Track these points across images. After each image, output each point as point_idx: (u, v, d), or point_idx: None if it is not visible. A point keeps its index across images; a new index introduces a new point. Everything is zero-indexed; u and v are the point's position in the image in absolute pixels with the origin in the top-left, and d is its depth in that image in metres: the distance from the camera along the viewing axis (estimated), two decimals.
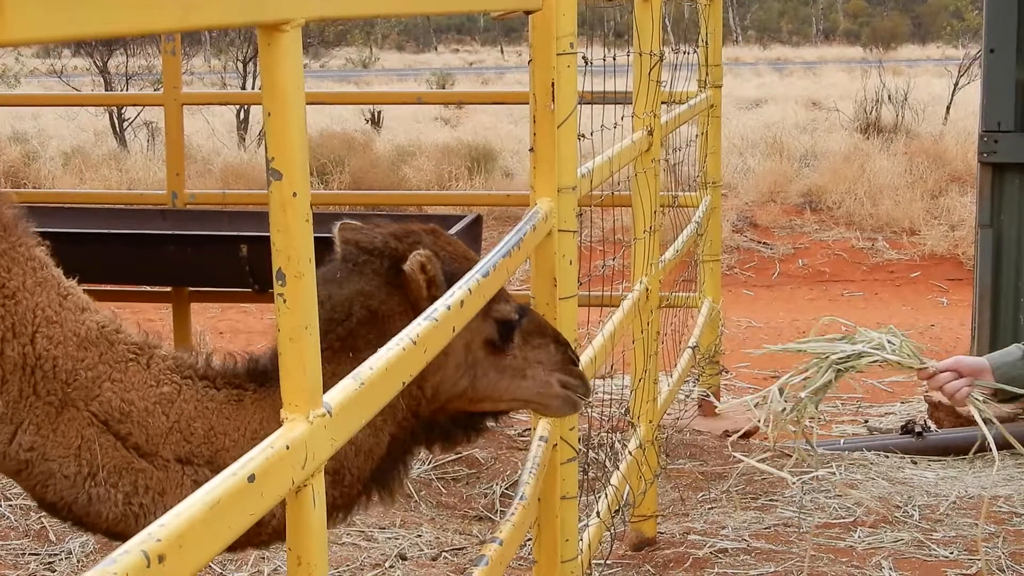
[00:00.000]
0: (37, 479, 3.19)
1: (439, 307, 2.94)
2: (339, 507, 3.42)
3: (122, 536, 3.25)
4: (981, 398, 4.02)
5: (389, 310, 3.45)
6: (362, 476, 3.41)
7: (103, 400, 3.19)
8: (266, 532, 3.27)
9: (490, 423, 3.78)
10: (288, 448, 2.11)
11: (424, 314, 2.87)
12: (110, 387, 3.21)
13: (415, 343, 2.70)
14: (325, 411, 2.24)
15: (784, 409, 4.03)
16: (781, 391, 4.01)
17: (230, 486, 1.94)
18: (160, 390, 3.25)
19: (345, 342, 3.40)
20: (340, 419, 2.29)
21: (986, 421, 4.12)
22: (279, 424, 3.27)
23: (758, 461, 3.84)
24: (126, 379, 3.23)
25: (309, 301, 2.18)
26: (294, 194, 2.14)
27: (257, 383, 3.37)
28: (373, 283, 3.47)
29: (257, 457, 2.04)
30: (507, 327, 3.57)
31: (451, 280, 3.43)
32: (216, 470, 3.18)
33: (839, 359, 4.05)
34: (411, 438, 3.56)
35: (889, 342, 4.07)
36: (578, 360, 3.78)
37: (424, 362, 2.77)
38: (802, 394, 3.96)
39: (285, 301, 2.16)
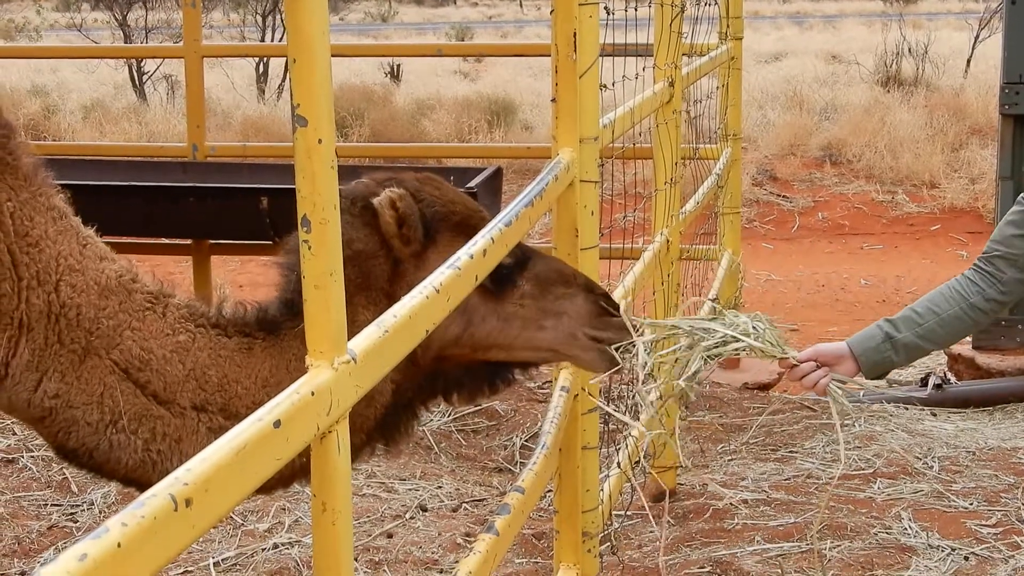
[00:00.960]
0: (60, 426, 3.22)
1: (462, 255, 2.95)
2: None
3: (138, 483, 3.30)
4: (840, 390, 3.81)
5: (368, 252, 3.44)
6: (365, 425, 3.40)
7: (124, 348, 3.22)
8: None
9: (516, 374, 3.74)
10: (313, 394, 2.12)
11: (448, 263, 2.87)
12: (130, 335, 3.24)
13: (438, 291, 2.71)
14: (350, 358, 2.24)
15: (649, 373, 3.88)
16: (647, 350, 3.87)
17: (256, 431, 1.95)
18: (176, 339, 3.27)
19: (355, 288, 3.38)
20: (364, 366, 2.30)
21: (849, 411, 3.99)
22: (288, 373, 3.35)
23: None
24: (145, 327, 3.25)
25: (334, 248, 2.19)
26: (320, 141, 2.14)
27: (267, 331, 3.38)
28: (351, 226, 3.43)
29: (283, 403, 2.04)
30: (497, 271, 3.46)
31: (434, 222, 3.45)
32: (229, 417, 3.26)
33: (709, 345, 3.92)
34: (416, 388, 3.54)
35: (755, 328, 3.97)
36: (616, 310, 3.68)
37: (447, 310, 2.78)
38: (679, 381, 3.89)
39: (310, 248, 2.17)
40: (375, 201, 3.42)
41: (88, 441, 3.23)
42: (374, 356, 2.35)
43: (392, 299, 3.32)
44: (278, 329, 3.38)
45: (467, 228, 3.50)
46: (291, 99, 2.16)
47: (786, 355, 4.02)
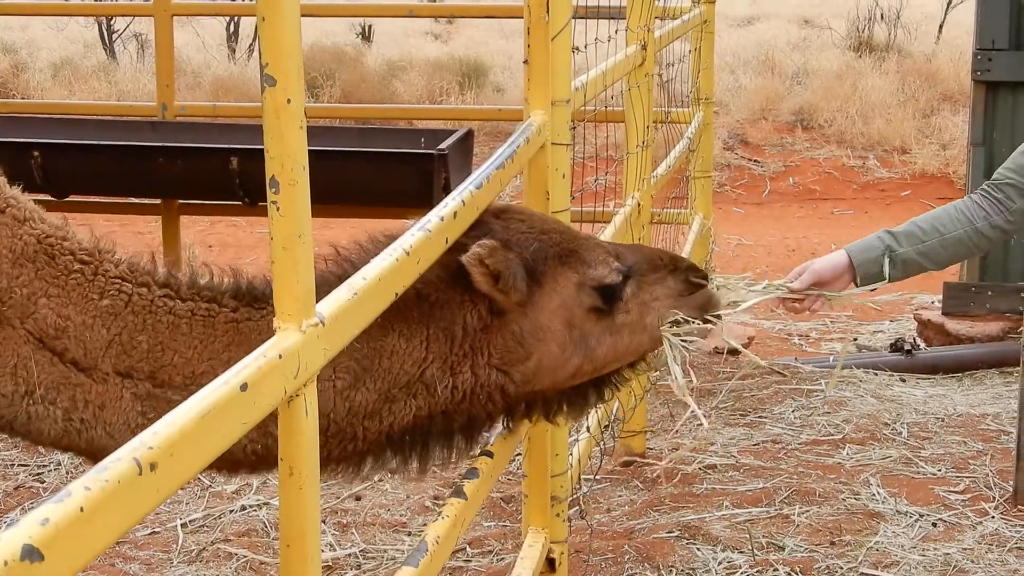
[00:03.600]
0: None
1: (432, 218, 2.92)
2: (334, 459, 3.27)
3: (68, 449, 3.22)
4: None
5: (445, 299, 3.26)
6: (367, 436, 3.24)
7: (38, 317, 3.10)
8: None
9: (627, 374, 3.64)
10: (280, 357, 2.10)
11: (418, 224, 2.85)
12: (46, 303, 3.10)
13: (408, 254, 2.69)
14: (318, 320, 2.22)
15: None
16: None
17: (222, 394, 1.93)
18: (101, 303, 3.13)
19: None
20: (333, 329, 2.28)
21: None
22: (248, 352, 3.17)
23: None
24: (64, 293, 3.12)
25: (303, 209, 2.16)
26: (288, 100, 2.12)
27: (243, 303, 3.20)
28: (437, 271, 3.20)
29: (250, 365, 2.02)
30: (609, 291, 3.38)
31: (536, 263, 3.29)
32: (159, 385, 3.12)
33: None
34: (471, 417, 3.36)
35: (750, 288, 3.91)
36: (705, 278, 3.57)
37: (417, 273, 2.76)
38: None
39: (279, 209, 2.14)
40: (463, 260, 3.21)
41: (6, 413, 3.12)
42: (343, 319, 2.33)
43: (474, 344, 3.26)
44: (262, 304, 3.19)
45: (571, 257, 3.38)
46: (259, 58, 2.13)
47: (787, 287, 4.00)
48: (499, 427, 3.60)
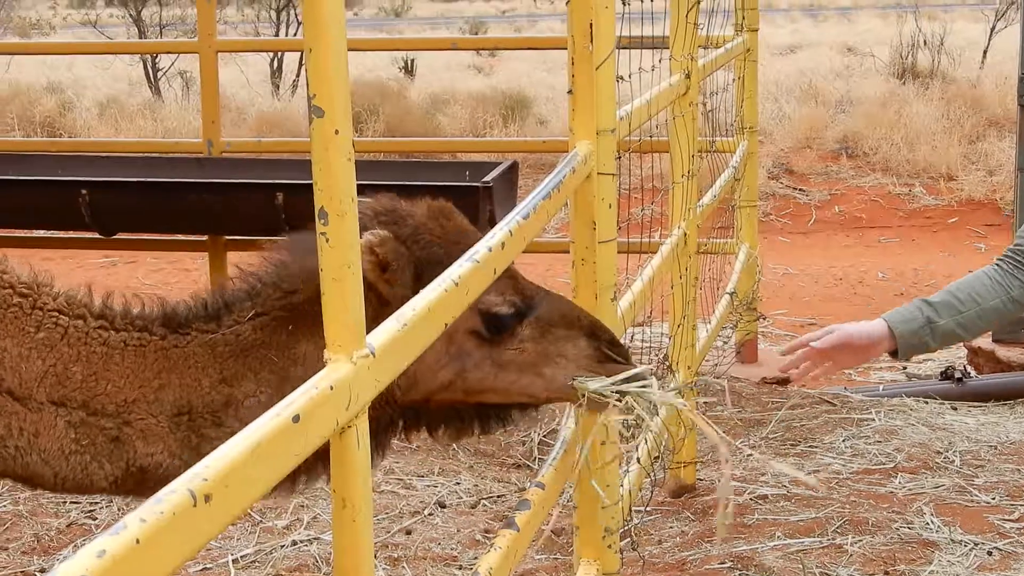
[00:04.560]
0: None
1: (480, 248, 2.92)
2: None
3: (3, 475, 3.30)
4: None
5: None
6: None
7: None
8: None
9: (515, 415, 3.59)
10: (332, 389, 2.09)
11: (466, 255, 2.84)
12: None
13: (457, 285, 2.68)
14: (369, 352, 2.22)
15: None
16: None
17: (275, 426, 1.92)
18: (38, 335, 3.22)
19: (288, 314, 3.33)
20: (383, 360, 2.27)
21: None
22: (179, 379, 3.28)
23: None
24: (2, 326, 3.21)
25: (351, 240, 2.16)
26: (336, 131, 2.12)
27: (171, 330, 3.30)
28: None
29: (301, 398, 2.02)
30: (494, 320, 3.37)
31: (428, 265, 3.27)
32: (92, 413, 3.21)
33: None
34: (388, 424, 3.42)
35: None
36: (623, 355, 3.52)
37: (466, 304, 2.75)
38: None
39: (328, 240, 2.14)
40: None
41: None
42: (393, 350, 2.33)
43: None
44: (186, 329, 3.30)
45: None
46: (307, 90, 2.13)
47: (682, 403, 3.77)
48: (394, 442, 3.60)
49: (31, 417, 3.21)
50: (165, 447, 3.26)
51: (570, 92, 4.10)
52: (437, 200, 3.51)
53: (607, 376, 3.43)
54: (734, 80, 8.97)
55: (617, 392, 3.43)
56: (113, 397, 3.24)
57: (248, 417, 3.12)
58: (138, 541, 1.56)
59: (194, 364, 3.29)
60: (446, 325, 2.62)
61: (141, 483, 3.30)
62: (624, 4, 4.77)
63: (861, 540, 5.78)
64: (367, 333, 3.17)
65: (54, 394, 3.22)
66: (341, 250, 2.14)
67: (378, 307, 3.27)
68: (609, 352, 3.48)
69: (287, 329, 3.30)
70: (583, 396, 3.41)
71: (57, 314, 3.26)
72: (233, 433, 3.20)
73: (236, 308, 3.35)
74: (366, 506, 2.22)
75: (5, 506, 6.25)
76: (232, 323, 3.33)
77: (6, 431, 3.20)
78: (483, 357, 3.38)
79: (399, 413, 3.41)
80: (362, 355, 2.19)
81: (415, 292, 3.23)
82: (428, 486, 6.55)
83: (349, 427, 2.16)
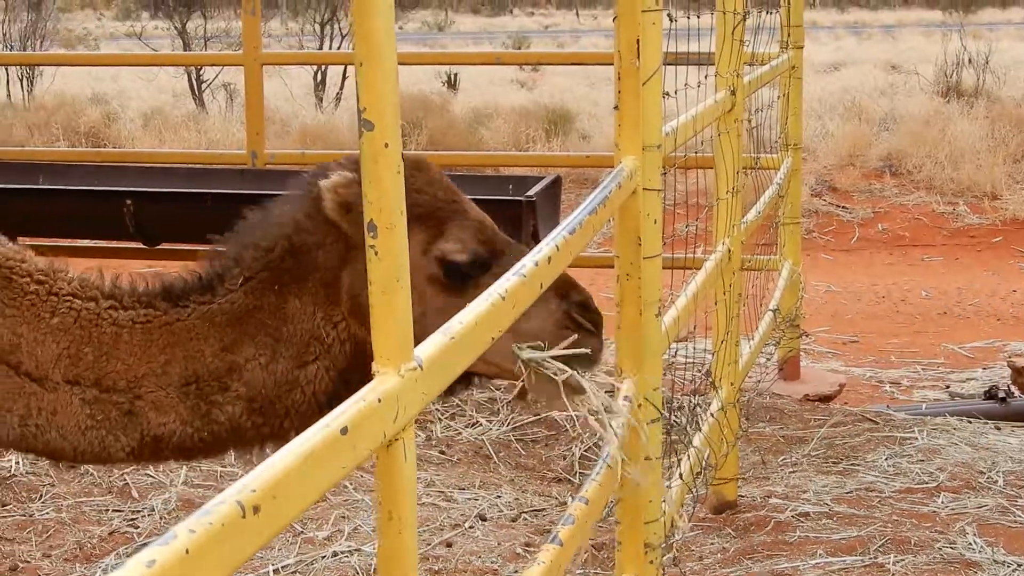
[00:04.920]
0: None
1: (527, 262, 2.92)
2: (267, 436, 3.51)
3: (28, 451, 3.52)
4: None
5: (312, 241, 3.46)
6: (296, 408, 3.47)
7: None
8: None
9: (480, 378, 3.57)
10: (380, 401, 2.09)
11: (513, 269, 2.84)
12: (2, 323, 3.40)
13: (503, 298, 2.68)
14: (416, 365, 2.22)
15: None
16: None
17: (323, 438, 1.92)
18: (52, 321, 3.41)
19: (271, 273, 3.48)
20: (430, 373, 2.27)
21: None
22: (184, 352, 3.44)
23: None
24: (19, 313, 3.40)
25: (401, 253, 2.16)
26: (386, 145, 2.12)
27: (171, 304, 3.48)
28: (298, 211, 3.50)
29: (349, 410, 2.02)
30: (452, 268, 3.39)
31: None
32: (104, 390, 3.40)
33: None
34: (365, 376, 3.46)
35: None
36: (594, 323, 3.44)
37: (513, 317, 2.75)
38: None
39: (377, 253, 2.14)
40: (321, 184, 3.42)
41: None
42: (440, 363, 2.33)
43: (338, 288, 3.42)
44: (184, 302, 3.47)
45: (431, 219, 3.43)
46: (357, 103, 2.13)
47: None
48: None
49: (48, 397, 3.40)
50: (177, 416, 3.43)
51: (616, 108, 4.10)
52: (413, 153, 3.57)
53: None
54: (779, 97, 8.96)
55: (556, 366, 3.29)
56: (124, 374, 3.42)
57: (252, 380, 3.43)
58: (187, 551, 1.56)
59: (196, 336, 3.46)
60: (493, 339, 2.62)
61: (157, 452, 3.49)
62: (671, 20, 4.77)
63: (903, 559, 5.75)
64: (340, 275, 3.36)
65: (68, 374, 3.40)
66: (390, 262, 2.14)
67: (345, 251, 3.42)
68: (578, 316, 3.42)
69: (273, 289, 3.46)
70: (521, 363, 3.29)
71: (71, 298, 3.44)
72: (239, 396, 3.46)
73: (227, 276, 3.51)
74: (411, 518, 2.22)
75: (48, 513, 6.28)
76: (225, 292, 3.49)
77: (26, 411, 3.40)
78: (445, 305, 3.32)
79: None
80: (409, 368, 2.19)
81: None
82: (469, 499, 6.55)
83: (396, 440, 2.16)
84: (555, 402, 3.40)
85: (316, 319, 3.45)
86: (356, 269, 3.38)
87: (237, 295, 3.48)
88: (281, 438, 3.50)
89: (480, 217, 3.55)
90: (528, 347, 3.31)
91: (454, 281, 3.42)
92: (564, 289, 3.43)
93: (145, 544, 5.96)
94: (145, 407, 3.43)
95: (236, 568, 1.68)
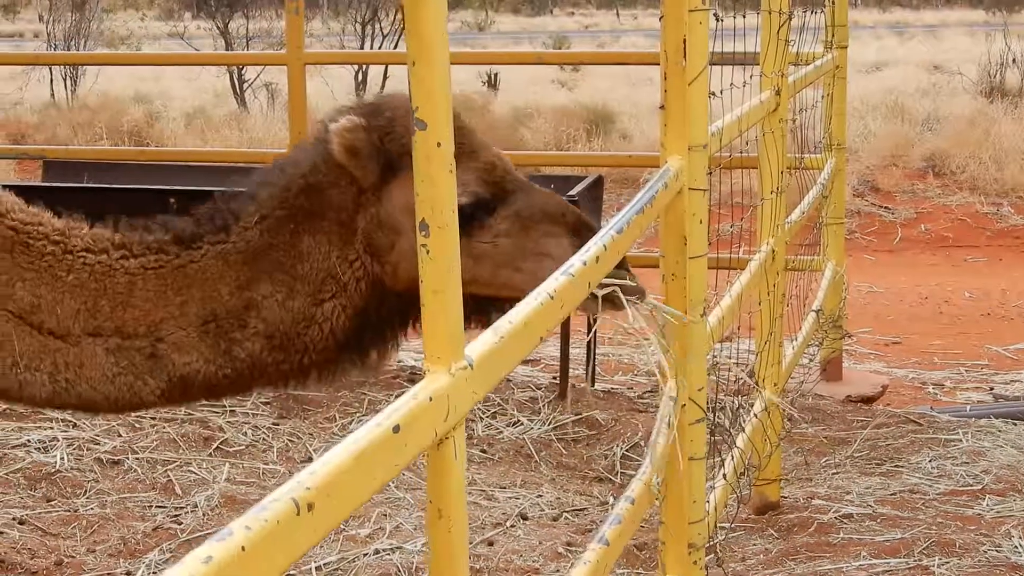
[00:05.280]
0: None
1: (575, 262, 2.92)
2: (287, 373, 3.61)
3: (63, 407, 3.65)
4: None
5: (326, 181, 3.54)
6: (314, 344, 3.56)
7: (17, 298, 3.50)
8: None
9: (508, 307, 3.62)
10: (431, 400, 2.10)
11: (561, 269, 2.84)
12: (22, 286, 3.51)
13: (552, 298, 2.68)
14: (467, 364, 2.22)
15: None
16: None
17: (376, 436, 1.93)
18: (68, 278, 3.52)
19: (287, 212, 3.56)
20: (481, 372, 2.27)
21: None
22: (200, 292, 3.53)
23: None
24: (37, 276, 3.52)
25: (452, 252, 2.17)
26: (438, 144, 2.13)
27: (184, 246, 3.56)
28: (313, 154, 3.59)
29: (401, 408, 2.03)
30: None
31: (398, 157, 3.44)
32: (126, 337, 3.51)
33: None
34: (382, 313, 3.61)
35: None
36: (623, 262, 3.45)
37: (562, 317, 2.75)
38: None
39: (428, 252, 2.15)
40: (330, 127, 3.52)
41: (1, 383, 3.53)
42: (490, 362, 2.33)
43: (353, 229, 3.51)
44: (198, 244, 3.56)
45: None
46: (410, 103, 2.14)
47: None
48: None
49: (73, 351, 3.51)
50: (199, 354, 3.53)
51: (662, 107, 4.09)
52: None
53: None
54: (822, 97, 8.92)
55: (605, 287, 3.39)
56: (142, 319, 3.52)
57: (269, 316, 3.53)
58: (243, 548, 1.57)
59: (211, 275, 3.55)
60: (541, 339, 2.62)
61: (186, 392, 3.60)
62: (717, 20, 4.76)
63: (948, 562, 5.72)
64: (355, 217, 3.45)
65: (89, 326, 3.51)
66: (443, 262, 2.15)
67: (357, 194, 3.52)
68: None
69: (288, 228, 3.55)
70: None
71: (85, 253, 3.54)
72: (258, 333, 3.53)
73: (242, 215, 3.59)
74: (461, 516, 2.23)
75: (92, 509, 6.32)
76: (240, 231, 3.56)
77: (54, 367, 3.51)
78: None
79: (396, 299, 3.58)
80: (460, 367, 2.20)
81: (384, 182, 3.50)
82: (510, 498, 6.56)
83: (447, 438, 2.16)
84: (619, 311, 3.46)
85: (331, 258, 3.55)
86: (369, 212, 3.51)
87: (252, 233, 3.56)
88: (303, 375, 3.63)
89: (490, 160, 3.62)
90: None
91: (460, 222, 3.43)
92: (576, 227, 3.58)
93: (188, 540, 6.00)
94: (167, 349, 3.52)
95: (290, 565, 1.69)
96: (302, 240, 3.53)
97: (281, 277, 3.53)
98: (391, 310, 3.59)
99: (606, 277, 3.33)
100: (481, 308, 3.58)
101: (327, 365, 3.63)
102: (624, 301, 3.41)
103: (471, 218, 3.50)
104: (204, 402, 5.94)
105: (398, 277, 3.53)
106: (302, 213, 3.54)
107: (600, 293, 3.39)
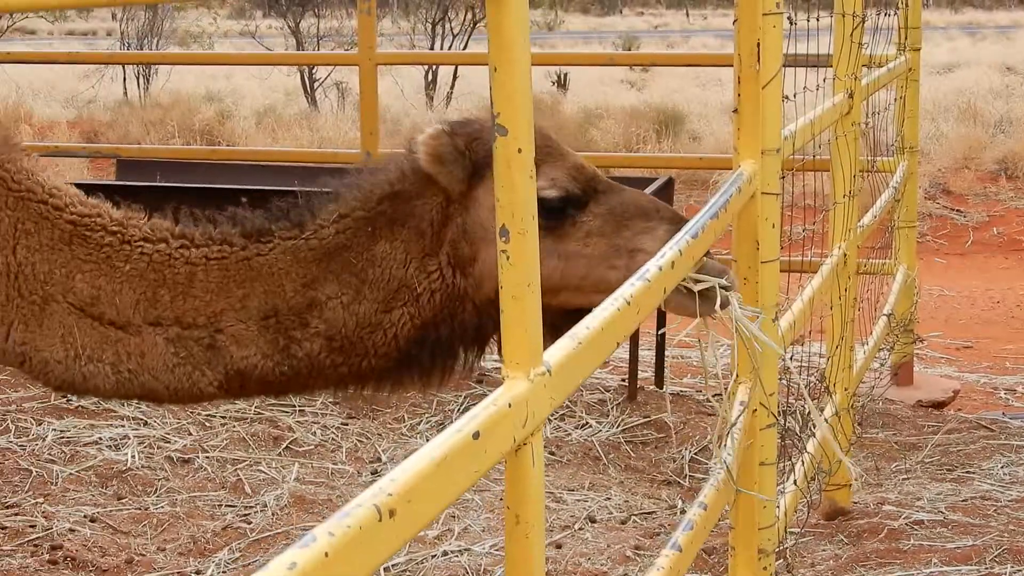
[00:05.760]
0: (37, 368, 3.56)
1: (651, 267, 2.92)
2: (345, 376, 3.60)
3: (128, 397, 3.65)
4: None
5: (412, 191, 3.55)
6: (376, 349, 3.55)
7: (77, 290, 3.53)
8: None
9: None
10: (510, 406, 2.10)
11: (637, 274, 2.84)
12: (81, 278, 3.53)
13: (628, 303, 2.68)
14: (545, 369, 2.22)
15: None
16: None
17: (456, 442, 1.94)
18: (126, 268, 3.53)
19: (368, 214, 3.57)
20: (559, 378, 2.28)
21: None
22: (263, 286, 3.54)
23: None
24: (96, 267, 3.53)
25: (532, 258, 2.17)
26: (519, 150, 2.13)
27: (252, 239, 3.55)
28: (402, 163, 3.60)
29: (481, 414, 2.03)
30: (543, 206, 3.21)
31: (486, 161, 3.39)
32: (186, 327, 3.52)
33: None
34: (459, 327, 3.59)
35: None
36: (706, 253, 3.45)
37: (638, 322, 2.75)
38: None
39: (508, 258, 2.15)
40: (417, 139, 3.55)
41: (65, 377, 3.55)
42: (568, 368, 2.33)
43: (439, 240, 3.51)
44: (268, 237, 3.55)
45: None
46: (491, 108, 2.14)
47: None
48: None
49: (134, 341, 3.54)
50: (257, 349, 3.53)
51: (735, 111, 4.08)
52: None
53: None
54: (895, 100, 8.86)
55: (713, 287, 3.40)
56: (202, 310, 3.53)
57: (332, 318, 3.53)
58: (327, 554, 1.58)
59: (277, 270, 3.55)
60: (618, 344, 2.62)
61: (243, 386, 3.60)
62: (791, 23, 4.73)
63: (1020, 570, 5.67)
64: (438, 232, 3.46)
65: (149, 316, 3.53)
66: (522, 268, 2.15)
67: (445, 205, 3.52)
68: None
69: (366, 231, 3.55)
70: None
71: (143, 242, 3.55)
72: (318, 334, 3.54)
73: (321, 213, 3.59)
74: (539, 522, 2.23)
75: (162, 507, 6.36)
76: (315, 228, 3.56)
77: (116, 358, 3.53)
78: (546, 250, 3.14)
79: (474, 312, 3.56)
80: (539, 373, 2.20)
81: (471, 189, 3.50)
82: (578, 500, 6.55)
83: (525, 444, 2.17)
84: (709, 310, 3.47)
85: (409, 267, 3.54)
86: (456, 223, 3.51)
87: (328, 231, 3.56)
88: (361, 378, 3.62)
89: (578, 162, 3.62)
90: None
91: (548, 219, 3.43)
92: (671, 221, 3.54)
93: (257, 540, 6.04)
94: (226, 341, 3.53)
95: (373, 570, 1.70)
96: (377, 245, 3.53)
97: (349, 279, 3.54)
98: (464, 325, 3.57)
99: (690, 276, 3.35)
100: (558, 327, 3.53)
101: (386, 373, 3.62)
102: (728, 297, 3.42)
103: (562, 214, 3.50)
104: (270, 400, 5.97)
105: (481, 286, 3.52)
106: (383, 219, 3.54)
107: (697, 289, 3.39)
